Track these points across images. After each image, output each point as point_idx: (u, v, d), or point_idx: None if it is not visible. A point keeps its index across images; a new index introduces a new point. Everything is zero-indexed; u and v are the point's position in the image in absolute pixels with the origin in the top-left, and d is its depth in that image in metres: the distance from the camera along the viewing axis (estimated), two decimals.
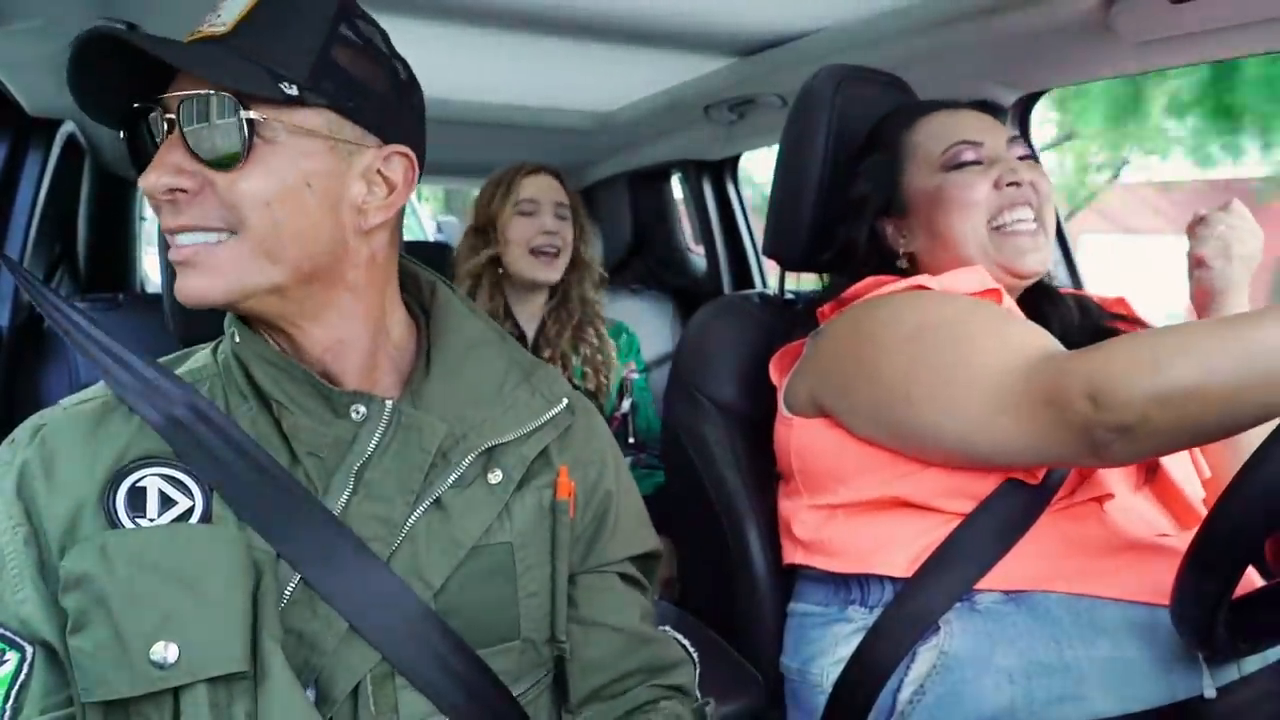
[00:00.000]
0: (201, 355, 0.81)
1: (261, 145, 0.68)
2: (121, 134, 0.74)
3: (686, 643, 0.91)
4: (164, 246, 0.88)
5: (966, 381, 0.89)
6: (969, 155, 1.09)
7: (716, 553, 1.23)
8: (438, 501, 0.75)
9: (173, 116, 0.68)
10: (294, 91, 0.68)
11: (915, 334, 0.95)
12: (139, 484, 0.70)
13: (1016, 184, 1.07)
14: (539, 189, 1.90)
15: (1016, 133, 1.13)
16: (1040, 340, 0.92)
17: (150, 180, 0.68)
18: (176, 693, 0.64)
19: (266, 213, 0.69)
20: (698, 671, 0.90)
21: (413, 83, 0.79)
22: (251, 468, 0.71)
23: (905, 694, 0.95)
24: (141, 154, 0.72)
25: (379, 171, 0.75)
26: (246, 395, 0.76)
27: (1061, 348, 0.90)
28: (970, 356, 0.90)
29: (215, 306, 0.72)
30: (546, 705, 0.83)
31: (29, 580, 0.66)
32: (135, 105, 0.71)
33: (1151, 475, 1.02)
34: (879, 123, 1.20)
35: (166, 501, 0.70)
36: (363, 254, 0.76)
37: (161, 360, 0.79)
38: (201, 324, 0.92)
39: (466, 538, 0.75)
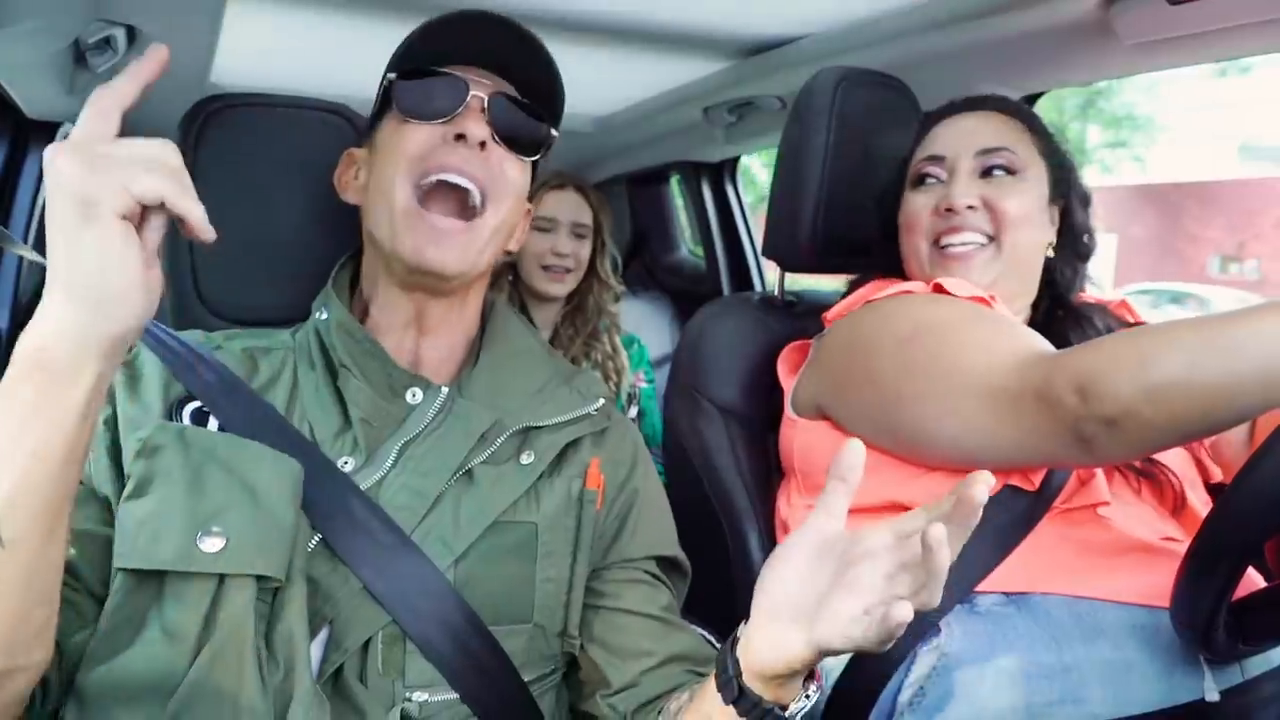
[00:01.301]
0: (280, 334, 0.88)
1: (536, 158, 0.88)
2: (394, 77, 0.84)
3: (714, 640, 0.92)
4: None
5: (958, 381, 0.90)
6: (928, 170, 1.11)
7: (716, 554, 1.23)
8: (469, 473, 0.80)
9: (482, 96, 0.82)
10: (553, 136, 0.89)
11: (909, 336, 0.96)
12: (204, 409, 0.77)
13: (951, 209, 1.06)
14: (558, 207, 1.94)
15: (991, 145, 1.09)
16: (1031, 340, 0.92)
17: (474, 128, 0.81)
18: (220, 586, 0.68)
19: (509, 200, 0.84)
20: None
21: None
22: (280, 434, 0.76)
23: (905, 695, 0.95)
24: (420, 101, 0.82)
25: (521, 218, 0.91)
26: (315, 365, 0.83)
27: (1052, 348, 0.90)
28: (961, 357, 0.91)
29: (439, 276, 0.81)
30: (550, 705, 0.84)
31: (104, 450, 0.74)
32: (439, 67, 0.83)
33: (1153, 479, 1.02)
34: (922, 120, 1.21)
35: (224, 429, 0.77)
36: (494, 264, 0.90)
37: (236, 330, 0.88)
38: (202, 325, 0.92)
39: (492, 509, 0.79)
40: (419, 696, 0.74)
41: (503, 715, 0.77)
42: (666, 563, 0.92)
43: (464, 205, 0.82)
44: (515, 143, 0.84)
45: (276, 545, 0.70)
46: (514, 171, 0.84)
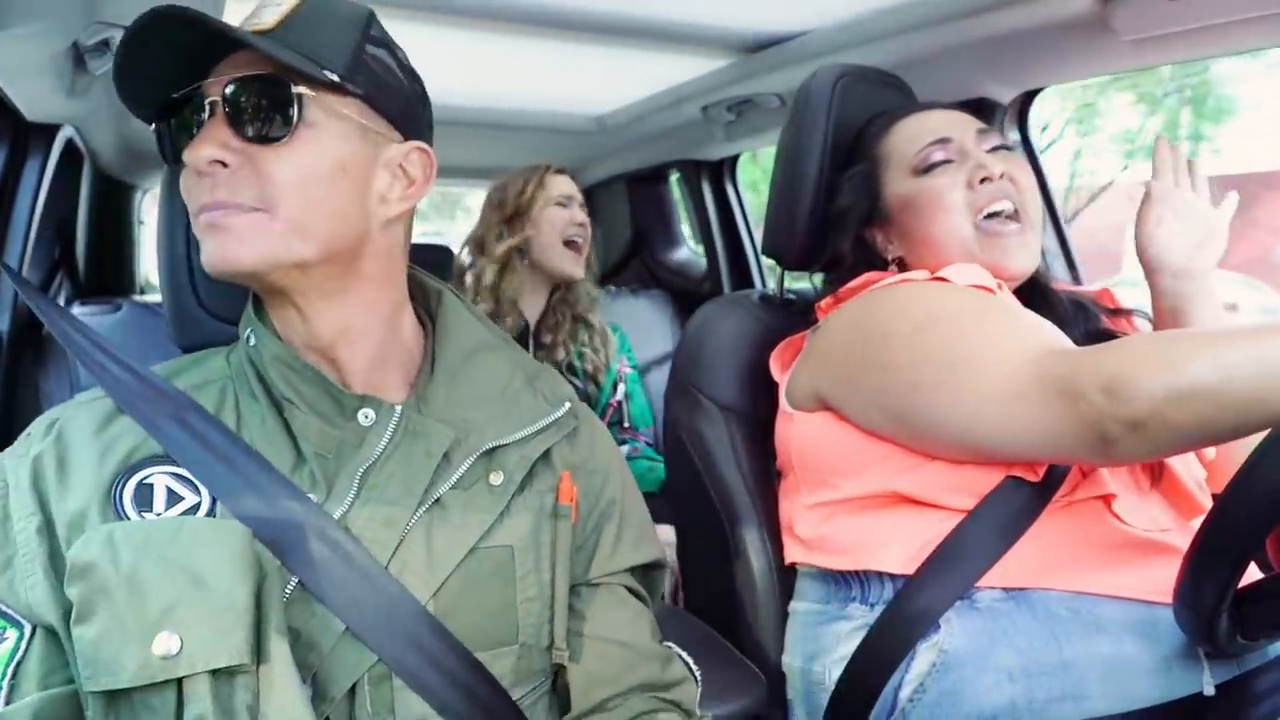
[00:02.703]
0: (215, 360, 0.83)
1: (304, 127, 0.73)
2: (153, 126, 0.76)
3: (690, 660, 0.90)
4: (168, 239, 0.88)
5: (977, 371, 0.89)
6: (938, 155, 1.10)
7: (717, 550, 1.23)
8: (439, 502, 0.76)
9: (215, 99, 0.72)
10: (335, 78, 0.73)
11: (925, 323, 0.95)
12: (146, 480, 0.72)
13: (988, 179, 1.07)
14: (569, 186, 2.04)
15: (984, 125, 1.14)
16: (1051, 333, 0.92)
17: (195, 153, 0.71)
18: (180, 683, 0.64)
19: (300, 192, 0.72)
20: (699, 690, 0.89)
21: (426, 96, 0.84)
22: (250, 475, 0.72)
23: (906, 692, 0.95)
24: (171, 144, 0.76)
25: (401, 165, 0.79)
26: (258, 397, 0.78)
27: (1070, 343, 0.90)
28: (981, 347, 0.90)
29: (240, 275, 0.74)
30: (543, 714, 0.83)
31: (39, 568, 0.68)
32: (174, 95, 0.74)
33: (1153, 468, 1.02)
34: (859, 133, 1.22)
35: (174, 498, 0.72)
36: (381, 244, 0.79)
37: (173, 363, 0.82)
38: (202, 333, 0.92)
39: (467, 538, 0.76)
40: None
41: None
42: (646, 566, 0.90)
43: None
44: (260, 133, 0.71)
45: (234, 628, 0.65)
46: (276, 165, 0.71)
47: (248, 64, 0.72)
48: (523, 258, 2.00)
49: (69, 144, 1.98)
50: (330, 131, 0.74)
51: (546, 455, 0.83)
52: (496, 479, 0.79)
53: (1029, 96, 1.68)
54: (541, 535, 0.80)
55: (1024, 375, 0.85)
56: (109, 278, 2.60)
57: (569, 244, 1.98)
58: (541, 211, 1.97)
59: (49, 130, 1.85)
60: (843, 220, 1.18)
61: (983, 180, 1.07)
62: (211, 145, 0.71)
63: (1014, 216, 1.08)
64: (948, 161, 1.10)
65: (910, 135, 1.14)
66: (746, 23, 1.67)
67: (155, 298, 2.31)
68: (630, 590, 0.88)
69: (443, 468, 0.77)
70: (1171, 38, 1.26)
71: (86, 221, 2.40)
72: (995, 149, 1.11)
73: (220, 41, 0.71)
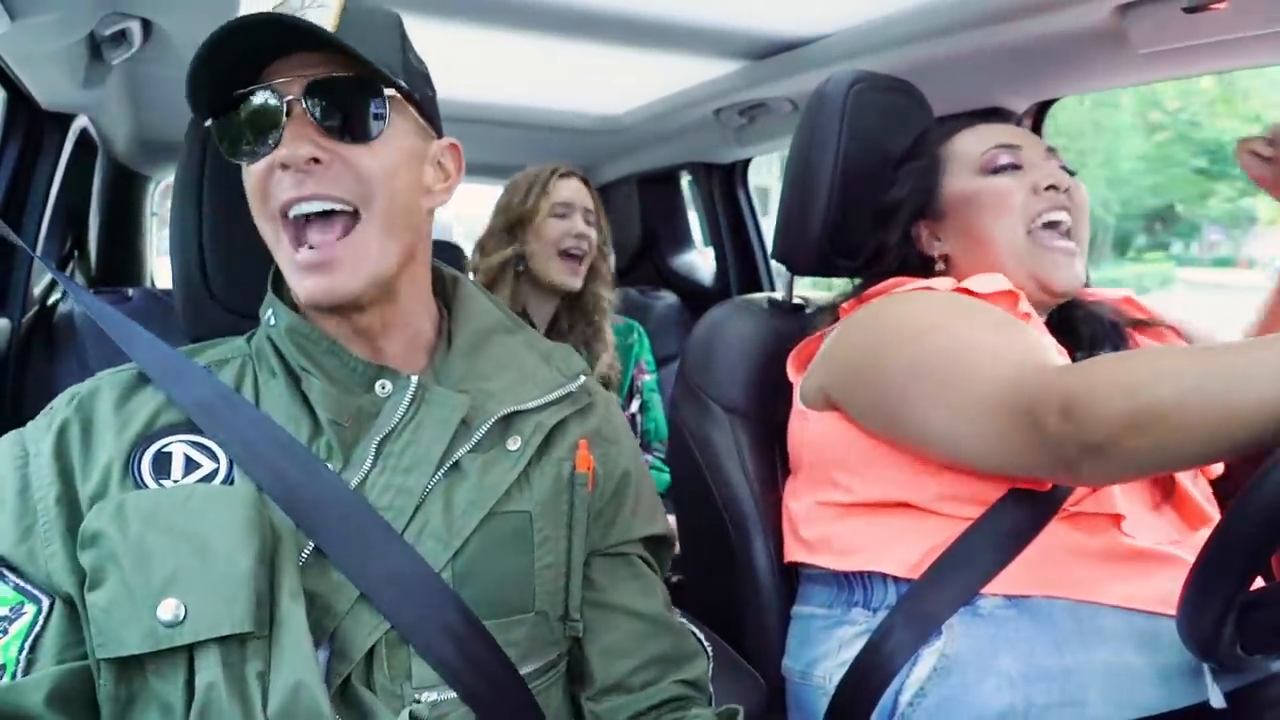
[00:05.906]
0: (236, 341, 0.86)
1: (388, 126, 0.76)
2: (208, 121, 0.77)
3: (700, 634, 0.92)
4: (195, 251, 0.89)
5: (959, 384, 0.89)
6: (1005, 159, 1.11)
7: (720, 554, 1.23)
8: (456, 465, 0.78)
9: (293, 98, 0.73)
10: (404, 83, 0.78)
11: (921, 334, 0.95)
12: (165, 449, 0.74)
13: (1054, 187, 1.08)
14: (573, 193, 1.94)
15: (1053, 146, 1.14)
16: (1038, 351, 0.90)
17: (288, 151, 0.73)
18: (191, 651, 0.66)
19: (388, 186, 0.76)
20: (710, 665, 0.91)
21: (435, 94, 0.88)
22: (269, 442, 0.74)
23: (906, 696, 0.95)
24: (235, 141, 0.76)
25: (439, 160, 0.85)
26: (276, 372, 0.80)
27: (1059, 360, 0.90)
28: (967, 363, 0.90)
29: (348, 300, 0.76)
30: (558, 701, 0.84)
31: (58, 537, 0.69)
32: (238, 91, 0.74)
33: (1164, 484, 1.02)
34: (919, 136, 1.22)
35: (191, 465, 0.74)
36: (425, 230, 0.85)
37: (194, 346, 0.84)
38: (212, 321, 0.93)
39: (485, 500, 0.78)
40: (428, 696, 0.74)
41: (503, 714, 0.76)
42: (656, 539, 0.92)
43: (333, 222, 0.76)
44: (350, 132, 0.75)
45: (236, 596, 0.66)
46: (368, 160, 0.75)
47: (316, 64, 0.74)
48: (523, 268, 1.92)
49: (83, 134, 1.99)
50: (401, 129, 0.79)
51: (563, 424, 0.85)
52: (514, 444, 0.81)
53: (1043, 107, 1.67)
54: (560, 502, 0.82)
55: (998, 392, 0.85)
56: (121, 268, 2.61)
57: (567, 254, 1.89)
58: (541, 223, 1.89)
59: (64, 120, 1.86)
60: (894, 212, 1.18)
61: (1047, 188, 1.07)
62: (307, 144, 0.73)
63: (1068, 235, 1.08)
64: (1015, 167, 1.11)
65: (978, 138, 1.14)
66: (760, 27, 1.67)
67: (165, 285, 2.32)
68: (643, 560, 0.90)
69: (461, 433, 0.79)
70: (1187, 51, 1.26)
71: (99, 211, 2.41)
72: (1061, 169, 1.12)
73: (288, 40, 0.73)
